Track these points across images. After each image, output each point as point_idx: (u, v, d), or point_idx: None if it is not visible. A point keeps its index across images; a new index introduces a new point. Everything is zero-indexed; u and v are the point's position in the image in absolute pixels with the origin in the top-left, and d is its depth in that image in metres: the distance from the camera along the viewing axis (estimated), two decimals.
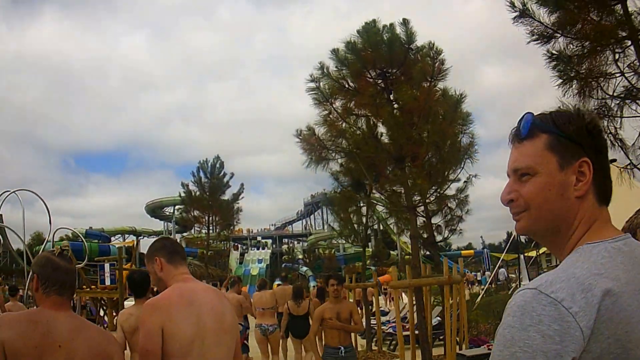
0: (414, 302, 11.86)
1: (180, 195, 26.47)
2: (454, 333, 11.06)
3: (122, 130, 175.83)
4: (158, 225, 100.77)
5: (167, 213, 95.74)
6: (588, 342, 1.23)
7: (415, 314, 11.65)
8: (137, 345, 4.06)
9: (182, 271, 3.55)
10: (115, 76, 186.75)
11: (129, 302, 20.21)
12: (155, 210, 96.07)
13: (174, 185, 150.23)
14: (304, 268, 75.18)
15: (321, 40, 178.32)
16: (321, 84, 13.02)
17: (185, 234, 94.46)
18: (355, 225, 19.91)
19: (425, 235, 14.10)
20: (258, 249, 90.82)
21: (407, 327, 14.43)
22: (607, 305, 1.25)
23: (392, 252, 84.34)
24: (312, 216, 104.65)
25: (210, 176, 25.91)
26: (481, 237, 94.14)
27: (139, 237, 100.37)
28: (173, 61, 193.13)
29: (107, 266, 25.90)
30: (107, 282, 25.36)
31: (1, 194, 8.76)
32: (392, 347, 16.33)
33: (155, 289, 3.96)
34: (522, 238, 25.96)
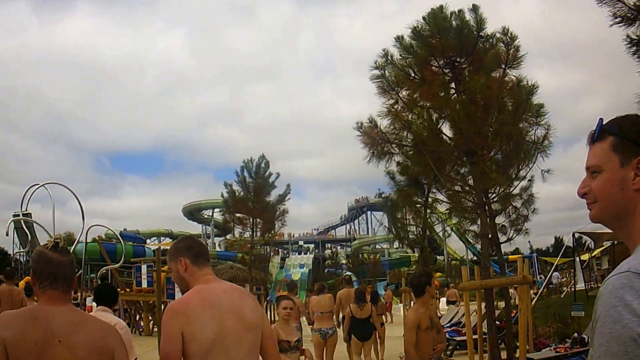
0: (481, 305, 11.43)
1: (222, 196, 25.70)
2: (530, 336, 10.67)
3: (158, 130, 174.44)
4: (196, 228, 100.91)
5: (206, 216, 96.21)
6: None
7: (472, 317, 11.40)
8: None
9: (205, 272, 3.65)
10: (152, 75, 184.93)
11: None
12: (193, 212, 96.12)
13: (212, 188, 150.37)
14: (348, 273, 74.37)
15: (366, 42, 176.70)
16: (386, 71, 12.45)
17: (224, 238, 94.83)
18: (413, 228, 19.28)
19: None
20: (300, 253, 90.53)
21: (463, 331, 14.07)
22: None
23: (438, 257, 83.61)
24: (356, 221, 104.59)
25: (255, 176, 25.25)
26: (529, 241, 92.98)
27: (176, 240, 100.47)
28: (212, 62, 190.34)
29: (144, 268, 25.55)
30: (144, 284, 25.07)
31: (30, 188, 8.25)
32: (448, 352, 15.61)
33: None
34: (571, 242, 28.22)
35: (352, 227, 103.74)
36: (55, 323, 2.88)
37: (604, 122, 1.71)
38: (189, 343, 3.30)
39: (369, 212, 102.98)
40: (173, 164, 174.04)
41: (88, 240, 31.92)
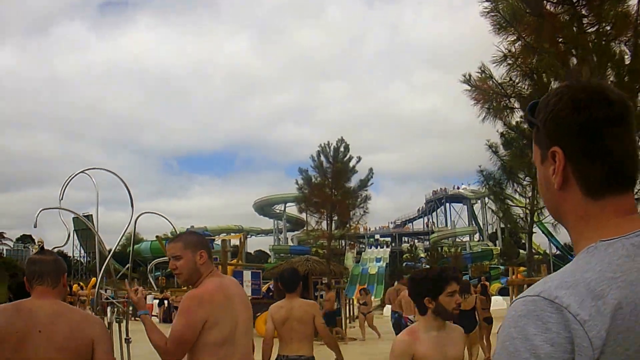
0: None
1: (297, 183, 23.50)
2: None
3: (228, 132, 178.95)
4: (267, 223, 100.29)
5: (277, 211, 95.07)
6: (601, 355, 1.08)
7: None
8: (286, 334, 6.12)
9: (214, 267, 4.01)
10: (220, 79, 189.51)
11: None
12: (264, 208, 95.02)
13: (283, 184, 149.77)
14: (427, 267, 71.84)
15: (436, 33, 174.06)
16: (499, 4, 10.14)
17: (302, 231, 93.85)
18: (518, 210, 16.85)
19: None
20: (376, 247, 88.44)
21: None
22: (625, 314, 1.11)
23: (521, 251, 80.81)
24: (434, 213, 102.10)
25: (333, 160, 22.90)
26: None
27: (247, 235, 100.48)
28: (281, 62, 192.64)
29: None
30: None
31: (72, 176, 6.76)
32: None
33: None
34: None
35: (430, 219, 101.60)
36: (37, 314, 3.09)
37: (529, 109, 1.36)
38: (209, 330, 3.58)
39: (447, 204, 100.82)
40: (244, 162, 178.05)
41: (152, 239, 30.56)
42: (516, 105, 11.05)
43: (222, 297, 3.69)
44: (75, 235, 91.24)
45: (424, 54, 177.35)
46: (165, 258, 4.00)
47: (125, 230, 7.65)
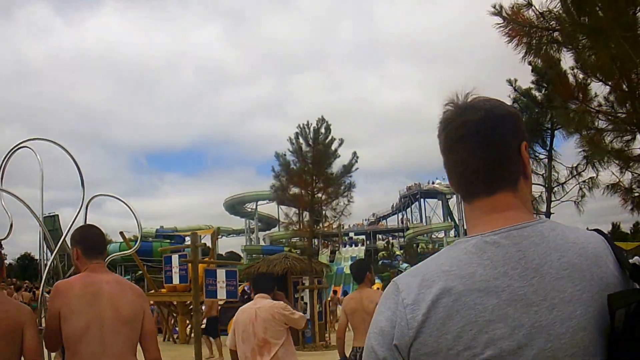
0: None
1: (273, 170, 20.61)
2: None
3: (198, 127, 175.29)
4: (239, 222, 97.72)
5: (249, 209, 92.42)
6: (418, 336, 1.30)
7: None
8: (359, 325, 6.35)
9: (96, 262, 3.93)
10: (189, 71, 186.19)
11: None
12: (235, 206, 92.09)
13: (255, 182, 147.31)
14: (404, 265, 70.07)
15: (410, 27, 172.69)
16: None
17: (268, 232, 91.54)
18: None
19: None
20: (350, 246, 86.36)
21: None
22: (446, 303, 1.29)
23: None
24: (408, 209, 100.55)
25: (313, 143, 20.20)
26: (587, 228, 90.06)
27: (218, 237, 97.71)
28: (252, 54, 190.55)
29: (174, 259, 20.88)
30: (175, 280, 20.51)
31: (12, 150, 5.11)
32: None
33: None
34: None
35: (405, 215, 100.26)
36: None
37: None
38: (64, 321, 3.65)
39: (422, 200, 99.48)
40: (214, 159, 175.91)
41: (120, 240, 27.89)
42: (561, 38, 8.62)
43: (80, 290, 3.74)
44: (42, 236, 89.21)
45: (397, 47, 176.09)
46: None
47: (77, 215, 6.41)
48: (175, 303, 21.45)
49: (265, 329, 5.63)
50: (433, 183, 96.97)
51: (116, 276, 4.29)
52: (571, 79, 9.95)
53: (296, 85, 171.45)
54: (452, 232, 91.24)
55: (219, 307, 18.88)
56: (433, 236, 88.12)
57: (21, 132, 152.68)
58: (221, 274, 19.23)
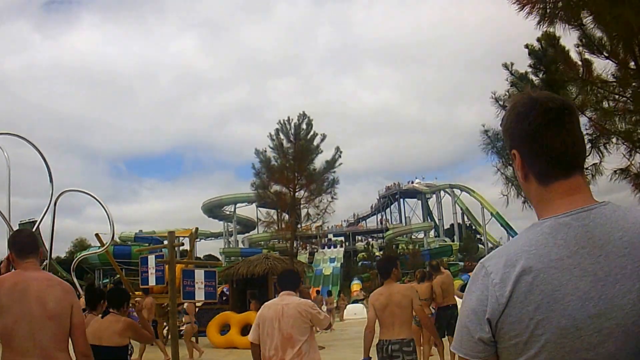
0: None
1: (253, 167, 19.67)
2: None
3: (176, 133, 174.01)
4: (217, 226, 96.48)
5: (227, 212, 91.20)
6: (506, 308, 1.48)
7: None
8: (387, 319, 6.58)
9: (28, 261, 4.08)
10: (167, 79, 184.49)
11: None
12: (213, 209, 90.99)
13: (234, 186, 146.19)
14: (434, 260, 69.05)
15: (387, 30, 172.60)
16: None
17: (247, 234, 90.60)
18: None
19: None
20: (329, 247, 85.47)
21: None
22: (527, 279, 1.47)
23: (480, 245, 79.27)
24: (388, 210, 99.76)
25: (294, 139, 19.25)
26: None
27: (196, 239, 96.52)
28: (228, 60, 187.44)
29: (151, 260, 19.72)
30: (152, 281, 19.40)
31: None
32: None
33: None
34: None
35: (384, 216, 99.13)
36: None
37: None
38: None
39: (401, 200, 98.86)
40: (193, 164, 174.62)
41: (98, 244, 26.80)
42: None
43: (9, 288, 3.89)
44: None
45: (373, 50, 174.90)
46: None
47: (47, 210, 5.80)
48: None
49: (292, 325, 5.70)
50: (412, 183, 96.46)
51: (46, 274, 4.39)
52: (575, 56, 9.44)
53: (273, 90, 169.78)
54: (432, 232, 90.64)
55: (196, 310, 18.07)
56: (413, 236, 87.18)
57: (2, 141, 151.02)
58: (199, 274, 18.22)
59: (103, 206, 6.32)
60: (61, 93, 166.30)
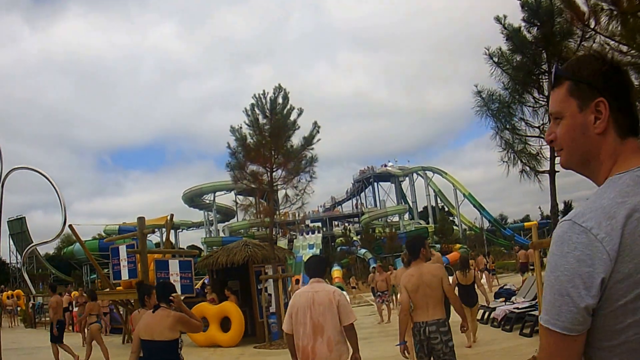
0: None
1: (229, 146, 17.73)
2: None
3: (158, 123, 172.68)
4: (198, 215, 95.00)
5: (207, 201, 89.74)
6: (615, 263, 1.44)
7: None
8: (421, 301, 6.39)
9: None
10: (148, 68, 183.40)
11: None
12: (194, 198, 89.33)
13: (213, 175, 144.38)
14: (362, 250, 68.21)
15: (363, 12, 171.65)
16: None
17: (227, 223, 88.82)
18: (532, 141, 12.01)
19: None
20: (307, 233, 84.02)
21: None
22: (631, 228, 1.45)
23: (455, 227, 78.27)
24: (362, 194, 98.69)
25: (270, 114, 17.45)
26: (539, 207, 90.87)
27: (178, 230, 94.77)
28: (207, 48, 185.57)
29: (122, 250, 17.66)
30: (125, 274, 17.59)
31: None
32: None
33: None
34: None
35: (359, 200, 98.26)
36: None
37: (560, 67, 1.75)
38: None
39: (375, 183, 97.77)
40: (174, 154, 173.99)
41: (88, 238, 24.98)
42: None
43: None
44: (10, 239, 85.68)
45: (346, 36, 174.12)
46: None
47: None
48: (132, 301, 18.72)
49: (322, 313, 5.69)
50: (385, 166, 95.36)
51: None
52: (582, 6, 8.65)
53: (250, 76, 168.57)
54: (406, 215, 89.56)
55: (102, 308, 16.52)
56: (388, 220, 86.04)
57: None
58: (174, 265, 16.52)
59: (55, 188, 5.06)
60: (49, 86, 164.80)
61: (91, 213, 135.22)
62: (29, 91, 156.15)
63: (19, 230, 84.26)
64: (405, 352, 6.74)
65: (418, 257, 6.57)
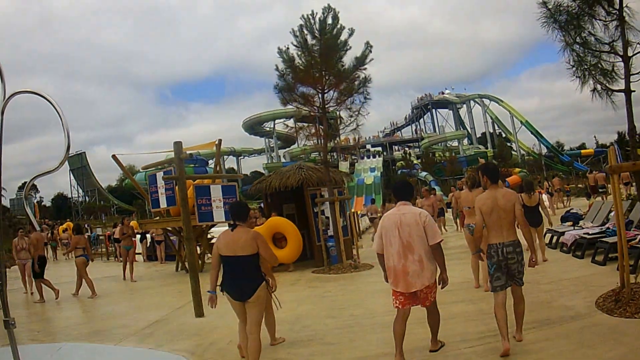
0: None
1: (277, 68, 16.29)
2: None
3: (217, 56, 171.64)
4: (259, 142, 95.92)
5: (267, 129, 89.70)
6: None
7: None
8: (496, 223, 6.29)
9: None
10: (206, 6, 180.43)
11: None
12: (254, 126, 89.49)
13: (274, 104, 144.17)
14: (423, 173, 67.15)
15: None
16: None
17: (287, 149, 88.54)
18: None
19: None
20: (368, 157, 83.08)
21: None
22: None
23: (513, 152, 76.38)
24: (421, 120, 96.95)
25: (320, 34, 15.96)
26: (594, 136, 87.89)
27: (239, 157, 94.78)
28: None
29: (159, 177, 17.25)
30: (163, 202, 17.19)
31: None
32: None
33: None
34: None
35: (418, 126, 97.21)
36: None
37: None
38: None
39: (433, 110, 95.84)
40: (234, 86, 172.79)
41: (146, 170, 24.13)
42: None
43: None
44: (71, 174, 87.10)
45: None
46: None
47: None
48: (176, 228, 18.03)
49: (409, 233, 5.85)
50: (443, 93, 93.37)
51: None
52: None
53: (307, 10, 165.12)
54: (465, 141, 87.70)
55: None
56: (447, 145, 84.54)
57: (54, 79, 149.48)
58: (216, 190, 15.41)
59: (58, 111, 4.21)
60: (106, 26, 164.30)
61: (155, 144, 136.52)
62: (87, 32, 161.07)
63: (78, 165, 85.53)
64: (482, 255, 7.08)
65: (496, 182, 6.49)
